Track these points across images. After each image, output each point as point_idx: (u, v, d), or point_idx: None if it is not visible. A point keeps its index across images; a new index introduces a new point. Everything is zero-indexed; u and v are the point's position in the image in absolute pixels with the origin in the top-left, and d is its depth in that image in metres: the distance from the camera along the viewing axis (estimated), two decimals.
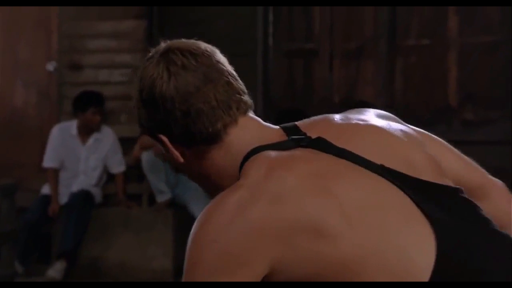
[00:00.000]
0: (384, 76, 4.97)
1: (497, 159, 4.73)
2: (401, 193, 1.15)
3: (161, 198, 4.93)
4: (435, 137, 1.32)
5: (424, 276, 1.10)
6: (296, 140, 1.19)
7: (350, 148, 1.18)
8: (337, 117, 1.25)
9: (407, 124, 1.30)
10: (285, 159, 1.15)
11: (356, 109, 1.32)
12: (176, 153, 1.24)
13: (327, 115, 1.27)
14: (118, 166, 5.08)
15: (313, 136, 1.19)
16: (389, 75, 4.97)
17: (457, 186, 1.22)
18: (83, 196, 4.93)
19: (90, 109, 4.95)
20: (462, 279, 1.11)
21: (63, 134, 5.03)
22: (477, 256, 1.14)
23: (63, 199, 4.96)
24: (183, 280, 1.11)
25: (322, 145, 1.18)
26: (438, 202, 1.16)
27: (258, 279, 1.08)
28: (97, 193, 5.06)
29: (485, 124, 4.86)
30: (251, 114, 1.26)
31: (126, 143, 5.11)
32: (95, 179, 5.05)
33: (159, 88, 1.24)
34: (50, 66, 5.47)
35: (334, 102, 5.12)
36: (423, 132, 1.30)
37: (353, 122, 1.24)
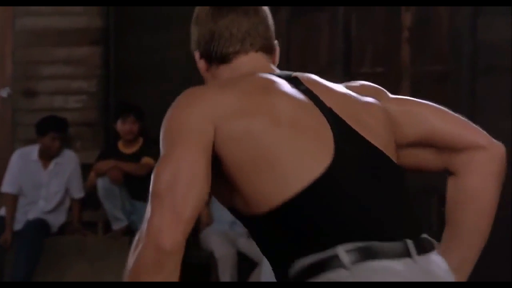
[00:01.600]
0: None
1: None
2: (328, 127, 1.36)
3: (117, 226, 4.89)
4: (426, 103, 1.51)
5: (306, 180, 1.29)
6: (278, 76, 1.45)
7: (316, 92, 1.41)
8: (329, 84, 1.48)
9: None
10: (247, 80, 1.42)
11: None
12: (201, 67, 1.51)
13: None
14: (78, 192, 5.04)
15: (297, 77, 1.45)
16: None
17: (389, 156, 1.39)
18: (38, 225, 4.86)
19: (49, 134, 4.90)
20: (333, 200, 1.29)
21: (23, 159, 4.97)
22: (360, 194, 1.31)
23: (19, 226, 4.89)
24: (161, 148, 1.36)
25: (294, 81, 1.43)
26: (356, 148, 1.36)
27: (210, 143, 1.34)
28: (54, 221, 5.00)
29: None
30: (265, 54, 1.50)
31: (82, 170, 5.07)
32: (55, 205, 4.99)
33: (200, 12, 1.53)
34: (4, 93, 5.42)
35: None
36: (406, 100, 1.53)
37: (331, 85, 1.47)
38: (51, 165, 4.99)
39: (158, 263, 1.28)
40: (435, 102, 5.42)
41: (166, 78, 5.38)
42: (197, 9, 1.54)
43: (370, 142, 1.37)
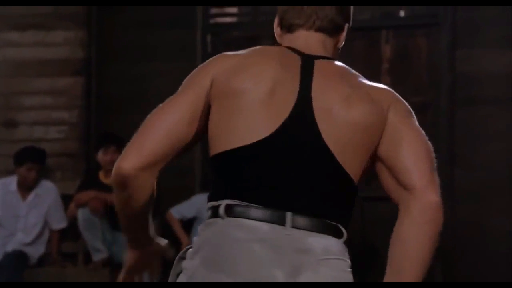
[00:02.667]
0: None
1: None
2: (288, 112, 1.53)
3: (97, 257, 4.84)
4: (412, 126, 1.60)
5: (243, 142, 1.51)
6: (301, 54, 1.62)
7: (316, 81, 1.57)
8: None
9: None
10: (270, 51, 1.62)
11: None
12: (276, 33, 1.69)
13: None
14: (59, 223, 5.00)
15: (313, 57, 1.62)
16: None
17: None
18: (16, 257, 4.81)
19: (25, 164, 4.87)
20: (247, 165, 1.50)
21: (2, 190, 4.94)
22: (271, 169, 1.51)
23: None
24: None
25: (308, 65, 1.60)
26: (300, 136, 1.53)
27: (207, 93, 1.57)
28: (33, 252, 4.95)
29: None
30: (323, 34, 1.64)
31: (62, 201, 5.04)
32: (34, 236, 4.95)
33: None
34: None
35: None
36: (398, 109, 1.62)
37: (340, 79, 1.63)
38: (30, 197, 4.95)
39: (119, 182, 1.55)
40: None
41: (147, 108, 5.35)
42: None
43: (320, 136, 1.52)
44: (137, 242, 1.64)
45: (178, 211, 4.83)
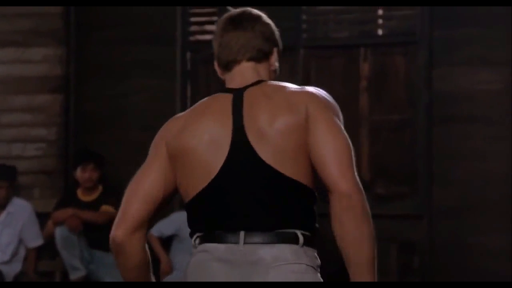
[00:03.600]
0: None
1: (407, 232, 4.88)
2: (227, 148, 1.80)
3: (74, 275, 4.80)
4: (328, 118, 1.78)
5: (198, 189, 1.81)
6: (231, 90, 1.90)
7: (245, 110, 1.82)
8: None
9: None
10: (204, 105, 1.90)
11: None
12: (218, 72, 1.95)
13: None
14: (34, 240, 4.94)
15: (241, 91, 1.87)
16: None
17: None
18: None
19: None
20: (208, 203, 1.79)
21: None
22: (227, 200, 1.78)
23: None
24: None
25: (238, 100, 1.85)
26: (241, 163, 1.79)
27: (167, 156, 1.85)
28: (9, 271, 4.89)
29: (396, 199, 5.02)
30: (254, 62, 1.89)
31: (39, 218, 4.99)
32: (9, 255, 4.89)
33: (217, 27, 1.94)
34: None
35: None
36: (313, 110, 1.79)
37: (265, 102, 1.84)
38: (3, 216, 4.90)
39: (116, 250, 1.86)
40: (393, 151, 5.44)
41: (126, 126, 5.37)
42: (216, 23, 1.96)
43: (257, 155, 1.76)
44: None
45: (157, 229, 4.81)
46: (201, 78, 5.49)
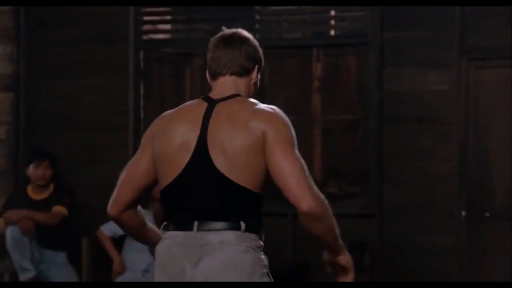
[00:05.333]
0: None
1: (358, 231, 4.95)
2: (191, 151, 2.20)
3: (24, 276, 4.73)
4: (281, 138, 2.16)
5: (166, 183, 2.22)
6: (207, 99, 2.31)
7: (212, 121, 2.21)
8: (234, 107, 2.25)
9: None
10: (184, 108, 2.30)
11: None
12: (208, 79, 2.33)
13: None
14: None
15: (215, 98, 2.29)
16: None
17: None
18: None
19: None
20: (171, 196, 2.22)
21: None
22: (186, 195, 2.19)
23: None
24: None
25: (210, 108, 2.25)
26: (200, 166, 2.19)
27: (150, 150, 2.28)
28: None
29: (347, 198, 5.08)
30: (236, 77, 2.29)
31: None
32: None
33: (210, 43, 2.34)
34: None
35: None
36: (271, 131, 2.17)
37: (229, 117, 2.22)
38: None
39: (115, 222, 2.33)
40: (345, 149, 5.56)
41: (77, 125, 5.32)
42: (211, 40, 2.34)
43: (213, 164, 2.16)
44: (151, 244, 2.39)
45: (109, 228, 4.78)
46: (154, 77, 5.47)
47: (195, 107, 2.25)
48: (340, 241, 2.21)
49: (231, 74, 2.29)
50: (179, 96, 5.44)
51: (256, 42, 2.34)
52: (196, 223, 2.15)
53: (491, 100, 4.91)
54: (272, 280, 2.18)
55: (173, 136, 2.21)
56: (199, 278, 2.12)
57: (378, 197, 4.95)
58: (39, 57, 5.43)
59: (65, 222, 4.76)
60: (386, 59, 4.96)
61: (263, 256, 2.17)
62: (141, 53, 5.39)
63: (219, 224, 2.14)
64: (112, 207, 2.28)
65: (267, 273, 2.17)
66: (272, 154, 2.12)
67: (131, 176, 2.27)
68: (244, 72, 2.30)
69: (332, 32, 5.32)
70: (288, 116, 2.26)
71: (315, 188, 2.12)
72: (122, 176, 2.28)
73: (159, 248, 2.22)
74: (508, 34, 4.79)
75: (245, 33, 2.34)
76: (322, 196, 2.13)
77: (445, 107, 4.90)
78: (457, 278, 4.84)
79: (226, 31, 2.34)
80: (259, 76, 2.34)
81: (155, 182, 2.27)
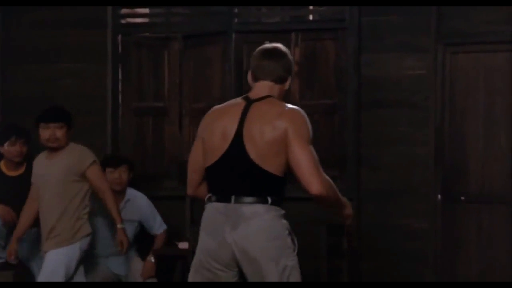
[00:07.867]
0: None
1: (337, 215, 4.97)
2: (230, 140, 2.84)
3: None
4: (298, 131, 2.79)
5: (210, 162, 2.87)
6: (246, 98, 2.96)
7: (248, 118, 2.85)
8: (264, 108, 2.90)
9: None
10: (229, 105, 2.96)
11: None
12: (249, 80, 2.97)
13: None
14: None
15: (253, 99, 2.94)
16: None
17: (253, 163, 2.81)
18: None
19: None
20: (214, 174, 2.88)
21: None
22: (225, 175, 2.85)
23: None
24: None
25: (248, 106, 2.89)
26: (236, 153, 2.82)
27: (202, 140, 2.92)
28: None
29: None
30: (273, 83, 2.92)
31: None
32: None
33: (256, 52, 2.98)
34: None
35: (184, 160, 5.20)
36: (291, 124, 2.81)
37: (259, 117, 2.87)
38: None
39: (193, 197, 3.06)
40: (323, 133, 5.68)
41: None
42: (256, 50, 2.96)
43: (247, 152, 2.79)
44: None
45: None
46: (132, 61, 5.45)
47: (236, 105, 2.87)
48: (343, 201, 2.89)
49: (270, 81, 2.91)
50: (157, 80, 5.43)
51: (291, 57, 2.98)
52: (233, 197, 2.78)
53: (467, 85, 4.97)
54: (295, 238, 2.80)
55: (216, 128, 2.84)
56: (238, 239, 2.74)
57: (355, 181, 4.99)
58: (16, 41, 5.39)
59: None
60: (363, 44, 4.99)
61: (285, 221, 2.80)
62: (119, 37, 5.37)
63: (251, 199, 2.77)
64: (189, 189, 2.98)
65: (289, 233, 2.79)
66: (291, 147, 2.72)
67: (193, 162, 2.93)
68: (279, 80, 2.92)
69: (311, 17, 5.33)
70: None
71: (323, 175, 2.72)
72: (188, 163, 2.96)
73: (205, 214, 2.84)
74: (484, 19, 4.84)
75: (284, 48, 2.96)
76: (328, 181, 2.74)
77: (422, 91, 4.94)
78: (432, 260, 4.90)
79: (269, 44, 2.97)
80: (288, 86, 2.95)
81: None
